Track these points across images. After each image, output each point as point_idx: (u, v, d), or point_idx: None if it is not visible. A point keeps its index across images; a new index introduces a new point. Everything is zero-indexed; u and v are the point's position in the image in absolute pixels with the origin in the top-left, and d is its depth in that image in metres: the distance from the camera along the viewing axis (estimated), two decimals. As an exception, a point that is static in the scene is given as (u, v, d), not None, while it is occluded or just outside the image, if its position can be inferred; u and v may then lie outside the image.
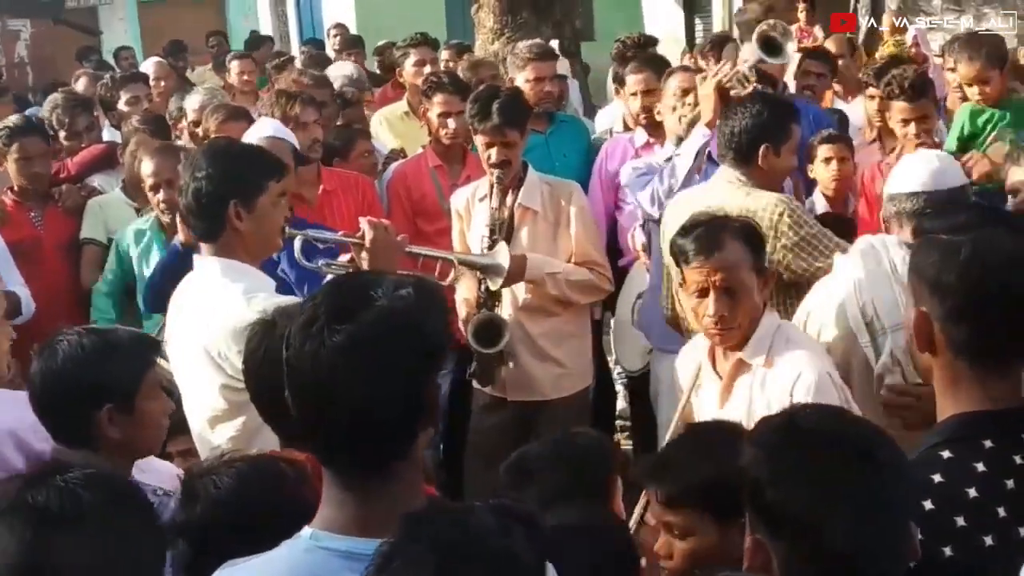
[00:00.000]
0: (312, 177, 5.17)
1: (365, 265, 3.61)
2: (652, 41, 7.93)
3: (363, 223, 3.69)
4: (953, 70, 5.31)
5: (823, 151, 5.36)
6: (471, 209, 4.92)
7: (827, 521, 1.78)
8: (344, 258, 3.82)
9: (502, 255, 4.49)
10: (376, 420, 1.79)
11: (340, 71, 7.08)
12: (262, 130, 4.53)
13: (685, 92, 5.02)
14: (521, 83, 6.03)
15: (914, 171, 3.58)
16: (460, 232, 4.94)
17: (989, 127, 4.72)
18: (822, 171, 5.32)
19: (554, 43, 7.49)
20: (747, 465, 1.88)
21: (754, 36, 4.88)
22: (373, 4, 18.06)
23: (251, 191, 3.44)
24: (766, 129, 4.12)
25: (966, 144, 4.72)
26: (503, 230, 4.71)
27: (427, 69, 7.12)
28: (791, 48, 4.66)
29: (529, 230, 4.79)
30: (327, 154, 5.68)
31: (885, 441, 1.88)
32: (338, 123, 6.53)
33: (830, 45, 7.77)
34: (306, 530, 1.90)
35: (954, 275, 2.05)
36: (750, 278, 3.30)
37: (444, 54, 9.25)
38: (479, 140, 4.76)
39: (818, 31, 11.74)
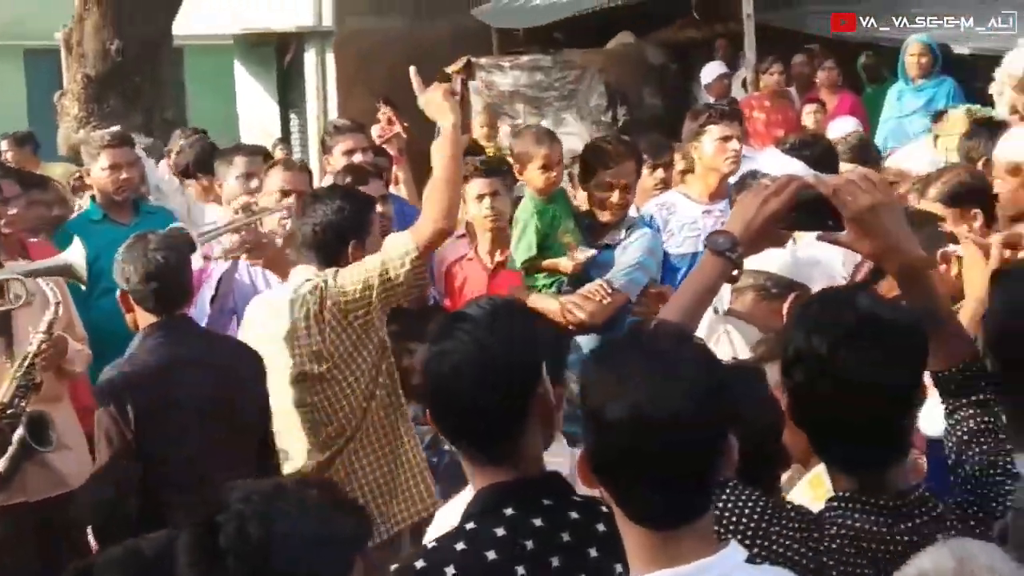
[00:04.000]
0: None
1: None
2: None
3: None
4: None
5: None
6: None
7: None
8: None
9: (76, 251, 4.28)
10: None
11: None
12: None
13: (285, 193, 4.80)
14: (97, 172, 5.77)
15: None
16: None
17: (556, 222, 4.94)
18: None
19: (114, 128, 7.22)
20: None
21: None
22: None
23: None
24: (350, 224, 4.04)
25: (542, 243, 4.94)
26: None
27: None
28: None
29: None
30: None
31: None
32: None
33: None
34: None
35: None
36: None
37: (3, 144, 8.75)
38: None
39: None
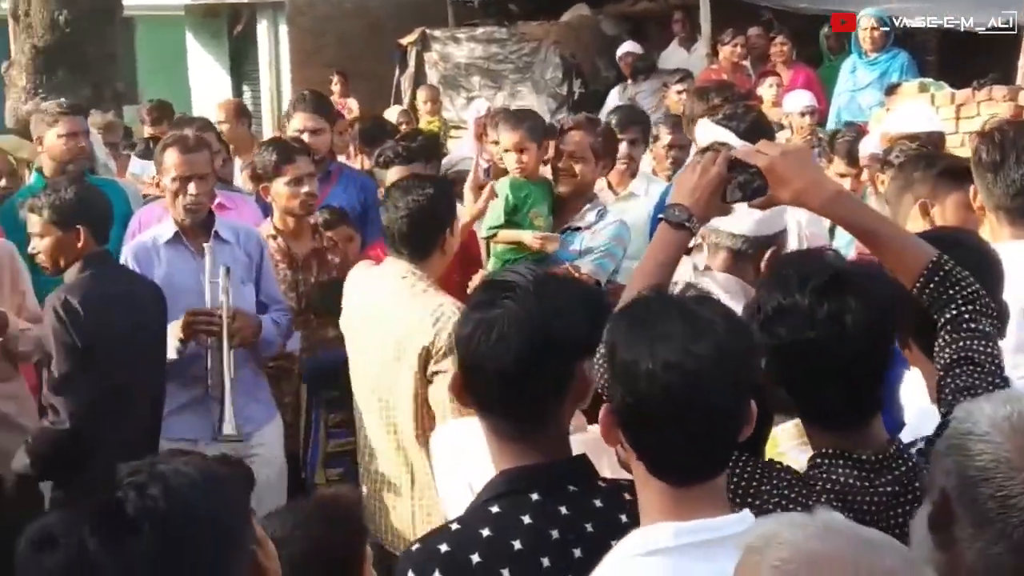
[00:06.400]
0: None
1: None
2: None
3: None
4: (496, 142, 5.48)
5: None
6: None
7: None
8: None
9: None
10: None
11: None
12: None
13: (183, 179, 4.61)
14: (53, 139, 5.70)
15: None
16: None
17: (529, 201, 4.88)
18: None
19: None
20: None
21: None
22: None
23: None
24: (444, 212, 3.98)
25: (511, 217, 4.87)
26: None
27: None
28: None
29: None
30: None
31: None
32: None
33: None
34: None
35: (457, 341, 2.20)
36: None
37: None
38: None
39: (353, 103, 11.87)
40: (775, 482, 2.15)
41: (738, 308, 2.46)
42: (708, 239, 3.76)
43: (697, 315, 1.85)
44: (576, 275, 4.46)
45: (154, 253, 4.61)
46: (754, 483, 2.14)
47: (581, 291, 2.30)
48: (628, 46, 11.34)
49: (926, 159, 3.83)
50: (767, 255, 3.55)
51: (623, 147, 5.78)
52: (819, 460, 2.17)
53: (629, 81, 10.53)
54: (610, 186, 5.87)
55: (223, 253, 4.53)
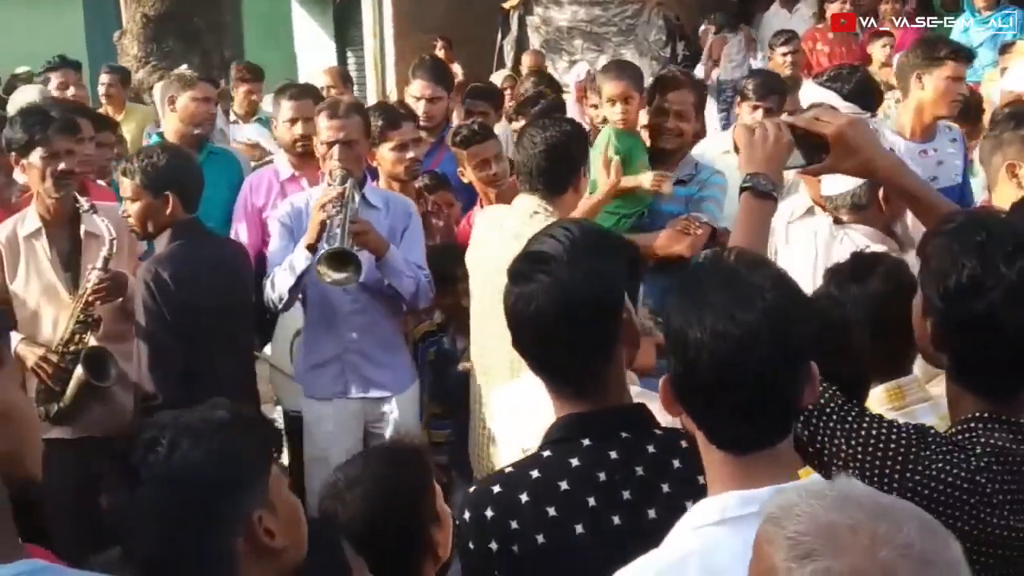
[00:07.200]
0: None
1: None
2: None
3: None
4: (596, 106, 5.45)
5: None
6: None
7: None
8: None
9: None
10: None
11: (25, 96, 6.51)
12: None
13: (329, 144, 4.71)
14: (186, 102, 5.86)
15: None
16: None
17: (635, 152, 4.85)
18: None
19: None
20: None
21: None
22: (7, 30, 17.05)
23: None
24: (580, 151, 4.10)
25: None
26: None
27: (71, 91, 6.80)
28: None
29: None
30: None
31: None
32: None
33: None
34: None
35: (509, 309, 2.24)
36: None
37: (105, 79, 8.80)
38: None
39: (457, 68, 11.93)
40: (933, 447, 2.13)
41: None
42: (828, 206, 3.87)
43: (746, 281, 1.82)
44: (696, 225, 4.50)
45: (305, 214, 4.67)
46: (914, 449, 2.13)
47: (617, 245, 2.34)
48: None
49: (1014, 118, 3.71)
50: (881, 192, 3.62)
51: (758, 114, 5.61)
52: (972, 424, 2.14)
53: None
54: (736, 149, 5.78)
55: (368, 217, 4.55)
